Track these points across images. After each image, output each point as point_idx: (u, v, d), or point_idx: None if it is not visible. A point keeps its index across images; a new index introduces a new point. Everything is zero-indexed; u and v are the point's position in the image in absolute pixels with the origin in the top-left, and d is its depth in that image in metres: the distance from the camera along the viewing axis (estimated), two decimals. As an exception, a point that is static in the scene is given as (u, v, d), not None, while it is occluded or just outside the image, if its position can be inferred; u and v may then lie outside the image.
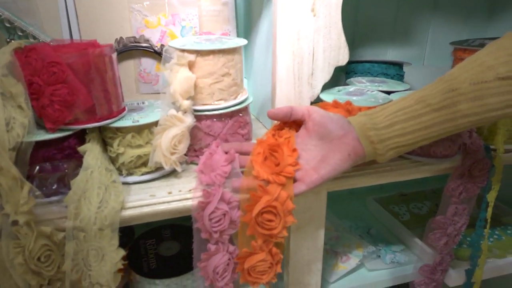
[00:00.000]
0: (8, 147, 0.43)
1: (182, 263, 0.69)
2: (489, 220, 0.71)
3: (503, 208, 0.98)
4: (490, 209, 0.70)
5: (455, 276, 0.76)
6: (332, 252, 0.81)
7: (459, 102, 0.47)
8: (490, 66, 0.47)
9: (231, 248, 0.56)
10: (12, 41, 0.57)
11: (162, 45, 0.73)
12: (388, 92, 0.68)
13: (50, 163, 0.49)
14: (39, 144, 0.48)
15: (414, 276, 0.78)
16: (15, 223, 0.44)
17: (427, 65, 1.01)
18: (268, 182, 0.51)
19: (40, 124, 0.49)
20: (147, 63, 0.75)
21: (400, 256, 0.82)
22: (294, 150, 0.52)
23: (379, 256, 0.82)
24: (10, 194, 0.42)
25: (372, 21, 0.93)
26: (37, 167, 0.48)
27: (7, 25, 0.57)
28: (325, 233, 0.67)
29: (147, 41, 0.72)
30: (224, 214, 0.52)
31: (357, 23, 0.92)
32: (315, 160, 0.52)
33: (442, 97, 0.48)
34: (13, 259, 0.44)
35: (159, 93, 0.76)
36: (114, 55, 0.52)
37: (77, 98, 0.47)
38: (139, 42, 0.72)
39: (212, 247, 0.54)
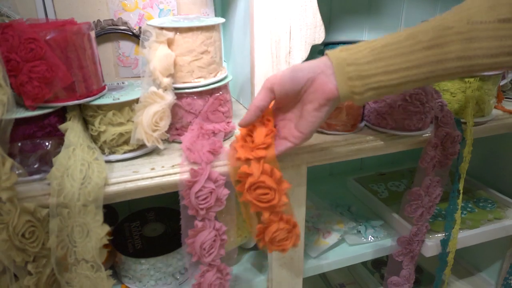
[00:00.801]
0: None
1: (168, 243, 0.70)
2: (461, 191, 0.74)
3: (475, 182, 1.02)
4: (462, 180, 0.73)
5: (431, 247, 0.79)
6: (314, 229, 0.83)
7: (452, 42, 0.43)
8: (491, 6, 0.42)
9: (218, 225, 0.57)
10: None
11: (141, 28, 0.73)
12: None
13: (31, 141, 0.49)
14: (19, 122, 0.47)
15: (392, 248, 0.81)
16: (-3, 199, 0.44)
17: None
18: (249, 160, 0.52)
19: (19, 102, 0.49)
20: (125, 46, 0.75)
21: (379, 231, 0.85)
22: (268, 120, 0.53)
23: (359, 231, 0.85)
24: None
25: (347, 1, 0.94)
26: (18, 145, 0.48)
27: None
28: (306, 211, 0.68)
29: (125, 23, 0.72)
30: (211, 192, 0.53)
31: (332, 4, 0.93)
32: (296, 117, 0.52)
33: (435, 34, 0.44)
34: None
35: (138, 76, 0.76)
36: (93, 33, 0.52)
37: (56, 74, 0.47)
38: (117, 25, 0.72)
39: (199, 223, 0.56)
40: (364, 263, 1.17)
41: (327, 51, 0.49)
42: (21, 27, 0.45)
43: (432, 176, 0.70)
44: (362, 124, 0.69)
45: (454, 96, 0.71)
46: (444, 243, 0.78)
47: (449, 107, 0.68)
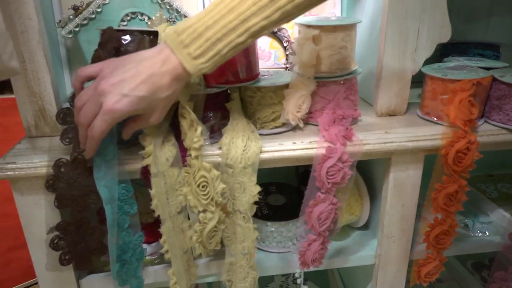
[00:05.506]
0: (187, 99, 0.57)
1: (289, 212, 0.81)
2: None
3: None
4: None
5: (544, 247, 0.79)
6: (423, 218, 0.88)
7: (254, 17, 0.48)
8: None
9: (334, 200, 0.66)
10: (170, 20, 0.72)
11: (278, 26, 0.85)
12: (487, 68, 0.73)
13: (205, 114, 0.63)
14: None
15: (501, 245, 0.82)
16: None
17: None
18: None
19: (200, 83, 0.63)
20: (262, 41, 0.87)
21: (487, 227, 0.87)
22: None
23: (467, 225, 0.87)
24: (188, 133, 0.57)
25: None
26: (198, 116, 0.62)
27: (167, 7, 0.72)
28: (418, 201, 0.74)
29: (265, 22, 0.84)
30: (339, 170, 0.63)
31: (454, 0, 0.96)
32: None
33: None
34: (181, 182, 0.59)
35: (270, 68, 0.88)
36: (255, 30, 0.65)
37: (229, 61, 0.59)
38: (258, 23, 0.84)
39: (321, 195, 0.65)
40: (463, 263, 1.17)
41: (167, 41, 0.50)
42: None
43: (553, 175, 0.70)
44: (482, 120, 0.73)
45: None
46: (560, 245, 0.78)
47: None
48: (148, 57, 0.50)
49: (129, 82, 0.49)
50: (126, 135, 0.56)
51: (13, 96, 0.63)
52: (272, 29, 0.51)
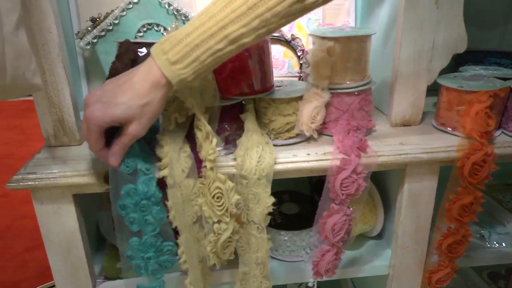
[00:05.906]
0: (203, 111, 0.58)
1: (303, 221, 0.81)
2: None
3: None
4: None
5: None
6: (437, 228, 0.87)
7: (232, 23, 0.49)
8: None
9: (348, 211, 0.66)
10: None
11: (292, 35, 0.85)
12: (504, 78, 0.73)
13: (220, 125, 0.63)
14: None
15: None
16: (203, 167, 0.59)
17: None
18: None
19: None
20: (276, 50, 0.88)
21: (504, 238, 0.86)
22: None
23: (483, 236, 0.86)
24: (204, 145, 0.57)
25: (485, 7, 0.95)
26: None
27: (183, 18, 0.73)
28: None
29: (279, 31, 0.85)
30: (353, 182, 0.63)
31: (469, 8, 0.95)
32: None
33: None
34: (197, 193, 0.60)
35: (284, 77, 0.89)
36: (269, 43, 0.65)
37: (246, 74, 0.60)
38: (273, 32, 0.85)
39: (335, 206, 0.65)
40: (479, 273, 1.16)
41: (151, 52, 0.51)
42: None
43: None
44: (499, 131, 0.72)
45: None
46: None
47: None
48: (133, 69, 0.53)
49: (108, 92, 0.52)
50: (113, 160, 0.55)
51: (29, 98, 0.65)
52: (254, 38, 0.50)
